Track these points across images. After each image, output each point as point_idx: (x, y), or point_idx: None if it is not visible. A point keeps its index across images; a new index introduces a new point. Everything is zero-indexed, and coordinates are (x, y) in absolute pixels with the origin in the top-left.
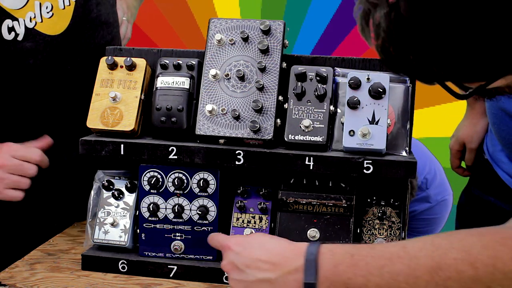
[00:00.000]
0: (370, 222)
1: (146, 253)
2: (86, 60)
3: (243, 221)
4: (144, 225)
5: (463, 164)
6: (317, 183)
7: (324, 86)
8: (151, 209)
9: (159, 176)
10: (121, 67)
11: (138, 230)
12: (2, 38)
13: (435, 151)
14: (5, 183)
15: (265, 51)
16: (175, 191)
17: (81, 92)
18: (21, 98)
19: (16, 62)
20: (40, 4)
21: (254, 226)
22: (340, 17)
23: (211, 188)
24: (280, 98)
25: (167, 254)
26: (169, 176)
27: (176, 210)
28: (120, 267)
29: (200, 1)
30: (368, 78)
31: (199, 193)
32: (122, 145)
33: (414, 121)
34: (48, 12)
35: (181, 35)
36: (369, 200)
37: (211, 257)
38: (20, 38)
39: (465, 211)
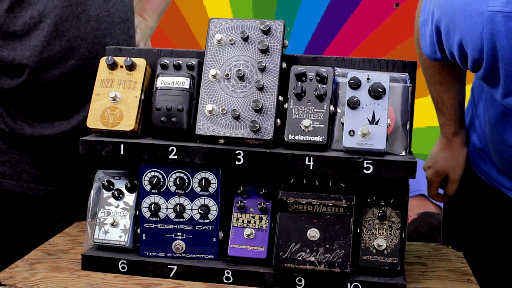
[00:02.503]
0: (370, 222)
1: (147, 253)
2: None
3: (243, 221)
4: (145, 225)
5: None
6: (317, 183)
7: (324, 86)
8: (152, 209)
9: (160, 176)
10: (121, 67)
11: (138, 230)
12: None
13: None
14: None
15: (265, 51)
16: (176, 191)
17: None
18: (37, 65)
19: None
20: None
21: (254, 226)
22: (330, 15)
23: (213, 187)
24: (280, 98)
25: (168, 254)
26: (170, 176)
27: (178, 210)
28: (120, 267)
29: (191, 3)
30: (368, 78)
31: (200, 193)
32: (122, 145)
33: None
34: None
35: (172, 37)
36: (369, 200)
37: (212, 256)
38: None
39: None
